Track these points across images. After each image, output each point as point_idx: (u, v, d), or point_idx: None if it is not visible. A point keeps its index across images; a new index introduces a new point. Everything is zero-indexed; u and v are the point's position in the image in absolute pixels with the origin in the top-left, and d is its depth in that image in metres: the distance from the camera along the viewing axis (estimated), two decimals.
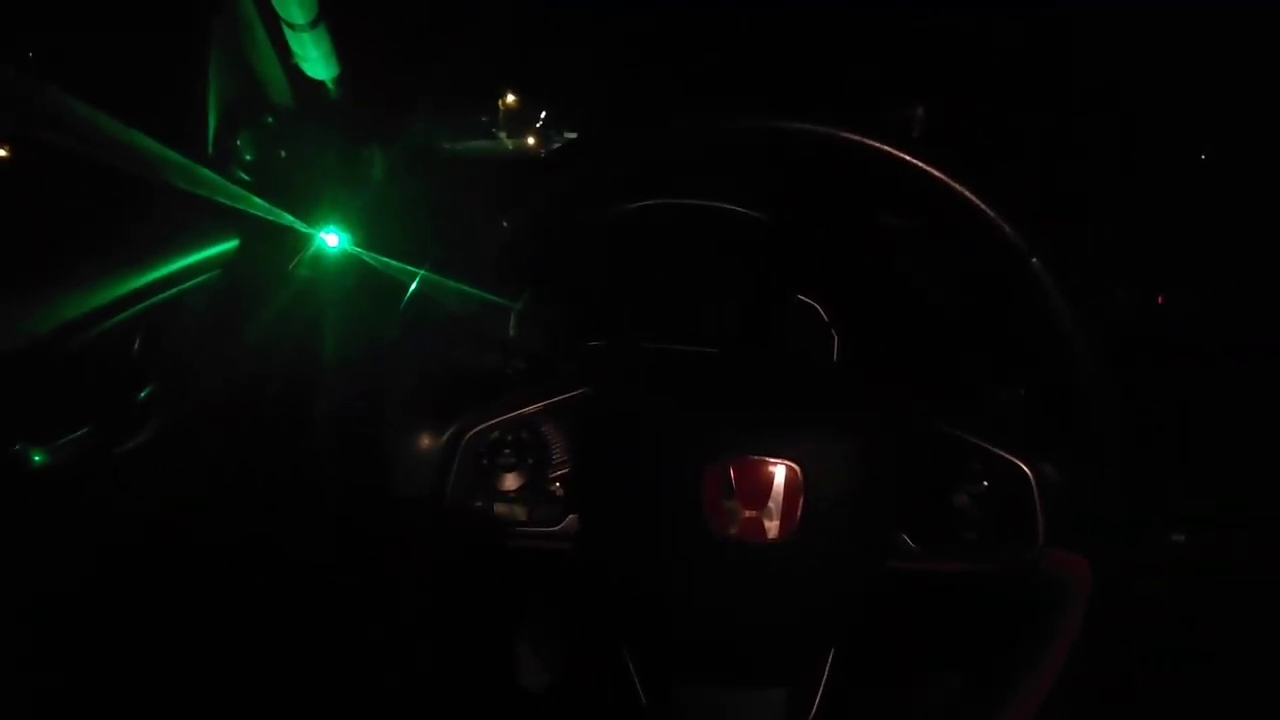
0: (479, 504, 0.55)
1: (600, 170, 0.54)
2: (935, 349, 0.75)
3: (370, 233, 0.80)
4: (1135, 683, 0.76)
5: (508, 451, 0.55)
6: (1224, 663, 0.77)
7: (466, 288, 0.56)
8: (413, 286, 0.54)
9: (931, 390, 0.57)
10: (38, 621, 0.60)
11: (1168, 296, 0.83)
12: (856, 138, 0.53)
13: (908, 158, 0.52)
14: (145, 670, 0.65)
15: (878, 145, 0.52)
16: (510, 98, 1.31)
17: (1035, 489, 0.53)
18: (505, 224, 0.54)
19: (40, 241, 0.64)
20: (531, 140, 1.37)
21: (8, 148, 0.67)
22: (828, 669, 0.58)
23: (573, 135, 0.98)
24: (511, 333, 0.79)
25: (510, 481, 0.55)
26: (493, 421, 0.55)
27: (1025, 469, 0.54)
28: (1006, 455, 0.54)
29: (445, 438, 0.54)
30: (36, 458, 0.60)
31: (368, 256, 0.77)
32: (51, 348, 0.60)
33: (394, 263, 0.69)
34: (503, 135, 1.33)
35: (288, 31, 0.70)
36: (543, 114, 1.33)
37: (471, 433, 0.54)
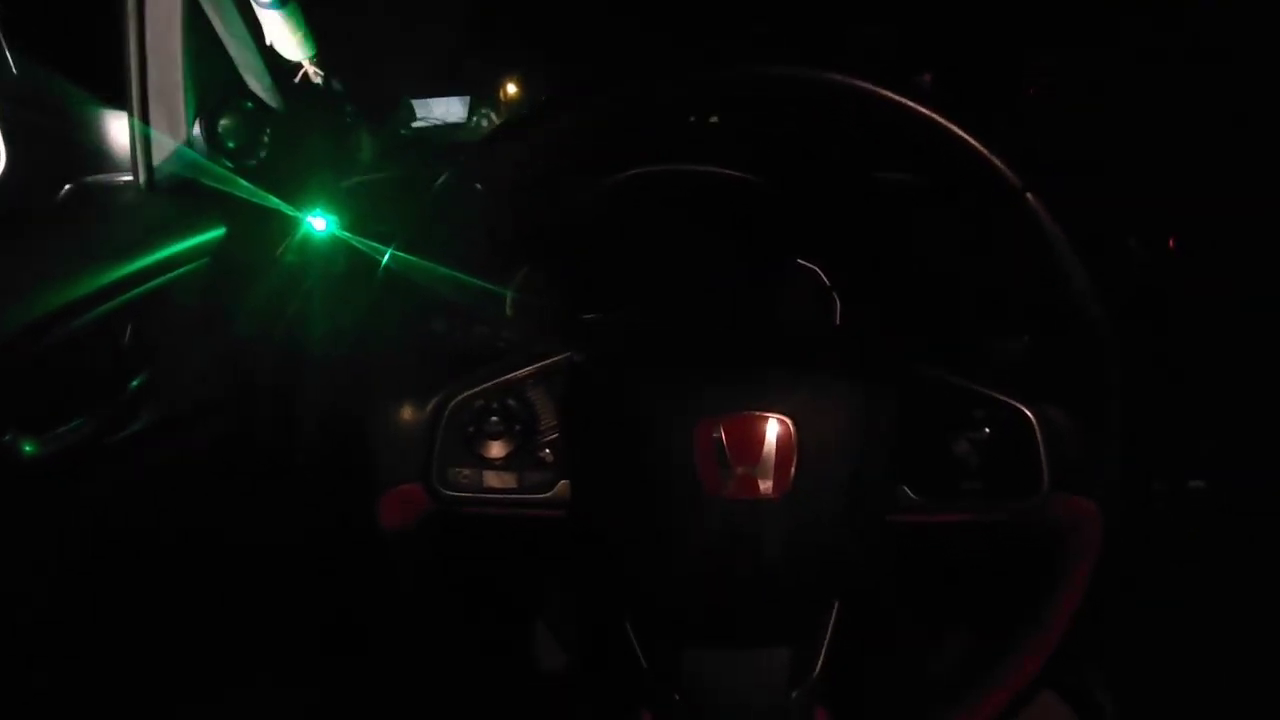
0: (467, 473, 0.54)
1: (572, 124, 0.52)
2: (938, 302, 0.74)
3: (357, 216, 0.79)
4: (1148, 631, 0.74)
5: (495, 419, 0.54)
6: (1241, 611, 0.75)
7: (449, 257, 0.55)
8: (384, 259, 0.53)
9: (934, 343, 0.55)
10: (31, 613, 0.60)
11: (1179, 239, 0.81)
12: (840, 78, 0.51)
13: (890, 94, 0.50)
14: (138, 661, 0.65)
15: (860, 84, 0.50)
16: (510, 88, 1.30)
17: (1038, 433, 0.51)
18: (479, 186, 0.53)
19: (27, 230, 0.64)
20: None
21: None
22: (831, 627, 0.56)
23: None
24: (507, 313, 0.78)
25: (497, 449, 0.54)
26: (477, 389, 0.54)
27: (1027, 412, 0.52)
28: (1007, 400, 0.52)
29: (429, 407, 0.53)
30: (28, 448, 0.59)
31: (355, 240, 0.76)
32: (42, 337, 0.60)
33: (382, 246, 0.69)
34: None
35: (258, 10, 0.69)
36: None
37: (455, 401, 0.53)
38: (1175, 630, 0.78)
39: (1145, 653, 0.78)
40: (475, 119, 1.28)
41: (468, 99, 1.19)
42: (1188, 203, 0.85)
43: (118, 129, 0.73)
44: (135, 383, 0.67)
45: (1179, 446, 0.77)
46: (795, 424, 0.50)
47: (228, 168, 0.76)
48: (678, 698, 0.56)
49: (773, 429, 0.50)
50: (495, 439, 0.54)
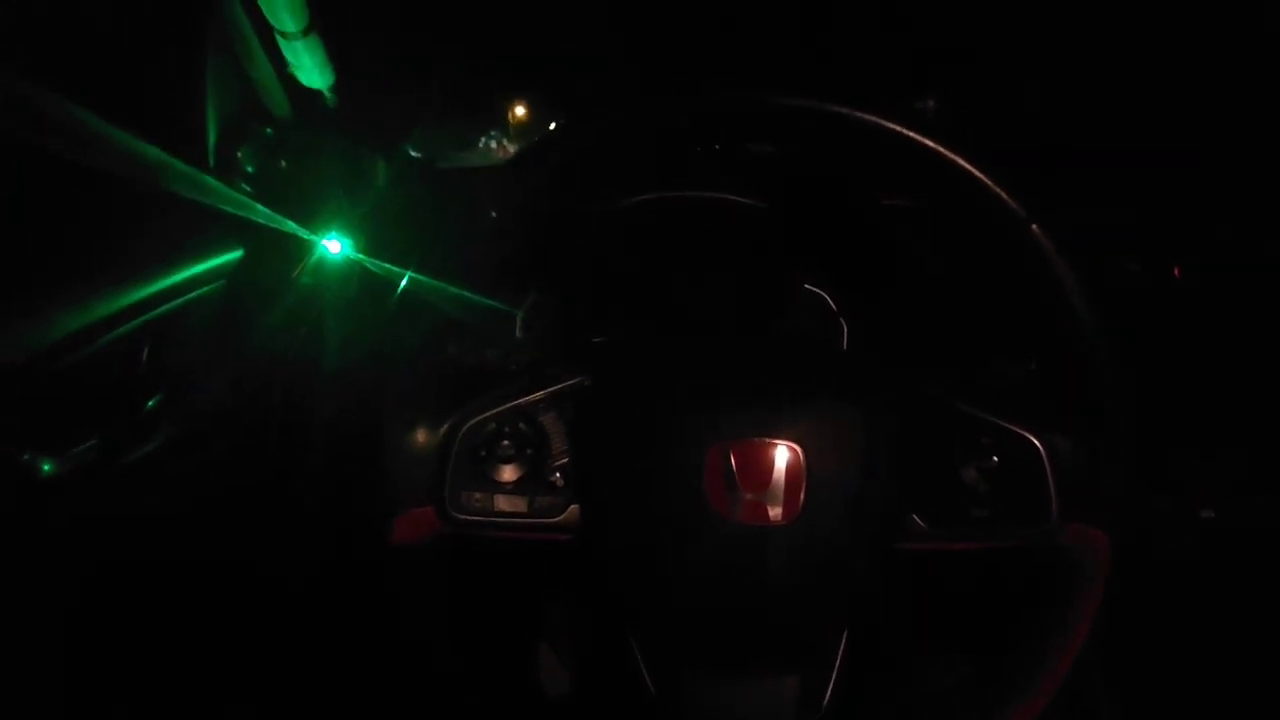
0: (478, 497, 0.54)
1: (590, 150, 0.53)
2: (944, 328, 0.74)
3: (372, 239, 0.80)
4: (1157, 657, 0.74)
5: (506, 443, 0.55)
6: (1251, 637, 0.74)
7: (462, 281, 0.56)
8: (402, 283, 0.54)
9: (941, 369, 0.56)
10: (43, 628, 0.60)
11: (1183, 268, 0.81)
12: (846, 110, 0.52)
13: (895, 127, 0.51)
14: (147, 677, 0.66)
15: (864, 117, 0.51)
16: (520, 110, 1.31)
17: (1046, 462, 0.52)
18: (494, 214, 0.54)
19: (47, 252, 0.65)
20: None
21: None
22: (840, 655, 0.56)
23: None
24: (517, 335, 0.79)
25: (509, 473, 0.55)
26: (489, 413, 0.54)
27: (1035, 442, 0.52)
28: (1016, 429, 0.53)
29: (442, 431, 0.54)
30: (45, 467, 0.60)
31: (369, 263, 0.77)
32: (59, 358, 0.61)
33: (396, 268, 0.69)
34: (512, 147, 1.33)
35: (280, 40, 0.71)
36: (552, 125, 1.34)
37: (468, 425, 0.54)
38: (1184, 656, 0.77)
39: (1154, 678, 0.77)
40: (485, 142, 1.30)
41: (478, 123, 1.21)
42: (1194, 227, 0.85)
43: (138, 149, 0.74)
44: (151, 403, 0.68)
45: (1187, 475, 0.77)
46: (804, 451, 0.50)
47: (245, 192, 0.77)
48: None
49: (782, 455, 0.50)
50: (507, 463, 0.55)
